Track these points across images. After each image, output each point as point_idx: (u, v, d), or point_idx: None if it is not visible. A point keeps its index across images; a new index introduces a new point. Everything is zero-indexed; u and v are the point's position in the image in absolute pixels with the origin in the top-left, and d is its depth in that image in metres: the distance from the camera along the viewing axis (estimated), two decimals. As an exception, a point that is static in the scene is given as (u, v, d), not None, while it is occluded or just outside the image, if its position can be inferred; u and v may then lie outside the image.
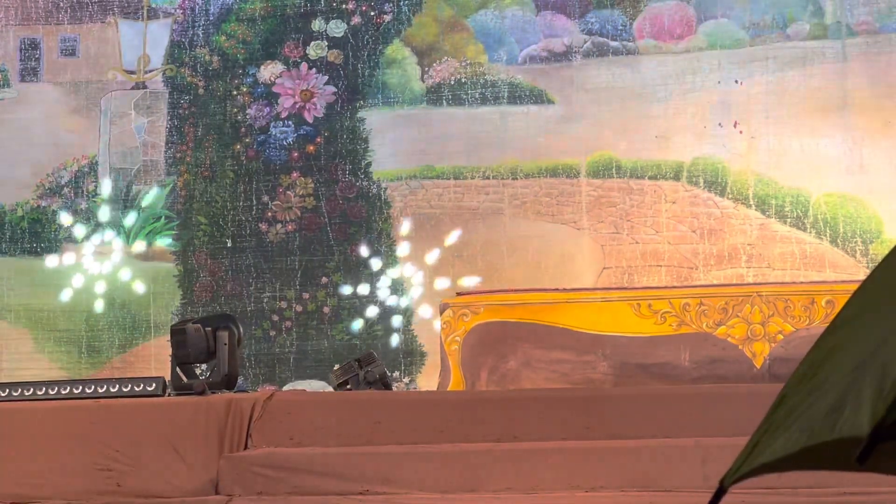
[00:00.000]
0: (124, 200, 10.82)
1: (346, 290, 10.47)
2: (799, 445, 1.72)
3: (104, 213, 10.81)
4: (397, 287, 10.45)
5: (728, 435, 6.24)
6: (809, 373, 1.79)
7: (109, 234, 10.81)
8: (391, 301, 10.44)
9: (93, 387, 7.38)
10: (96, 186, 10.82)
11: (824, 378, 1.76)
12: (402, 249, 10.47)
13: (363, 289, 10.45)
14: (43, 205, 10.80)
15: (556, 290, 9.01)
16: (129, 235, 10.82)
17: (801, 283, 9.16)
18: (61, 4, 10.94)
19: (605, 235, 10.16)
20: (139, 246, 10.79)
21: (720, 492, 1.85)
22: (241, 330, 7.64)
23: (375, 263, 10.46)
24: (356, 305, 10.46)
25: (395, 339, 10.33)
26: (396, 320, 10.38)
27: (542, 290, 9.00)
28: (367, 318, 10.41)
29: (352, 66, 10.71)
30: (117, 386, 7.35)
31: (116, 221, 10.82)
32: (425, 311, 10.21)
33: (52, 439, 6.97)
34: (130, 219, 10.80)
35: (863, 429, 1.65)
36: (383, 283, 10.46)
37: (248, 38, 10.83)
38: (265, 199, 10.65)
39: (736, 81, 10.14)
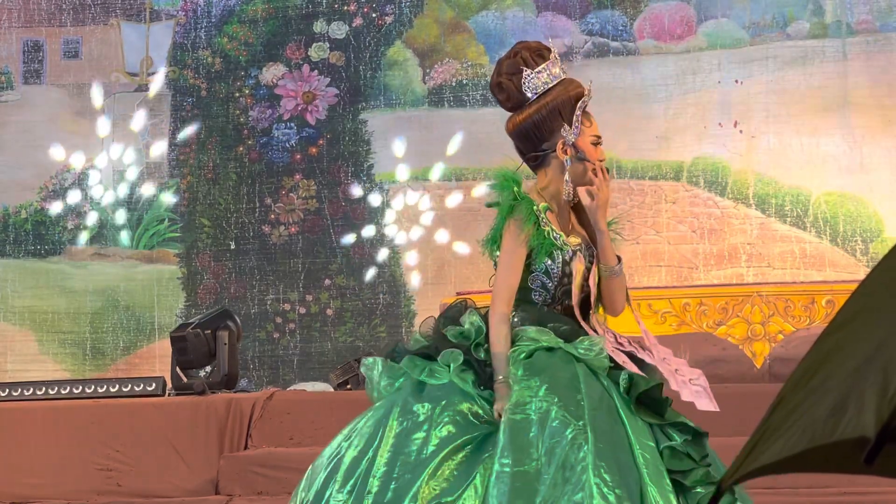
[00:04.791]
0: (127, 203, 10.83)
1: (350, 238, 10.48)
2: (800, 447, 1.72)
3: (107, 216, 10.82)
4: (399, 288, 10.47)
5: (728, 435, 6.23)
6: (807, 375, 1.79)
7: (113, 237, 10.82)
8: (391, 301, 10.45)
9: (93, 387, 7.39)
10: (99, 188, 10.83)
11: (823, 380, 1.76)
12: (404, 250, 10.48)
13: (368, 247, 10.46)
14: (46, 207, 10.82)
15: (557, 290, 8.98)
16: (132, 238, 10.83)
17: (802, 282, 9.15)
18: (63, 6, 10.96)
19: (606, 236, 10.14)
20: (142, 248, 10.80)
21: (718, 494, 1.84)
22: (239, 323, 7.65)
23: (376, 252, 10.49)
24: (358, 308, 10.47)
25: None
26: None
27: (542, 290, 8.98)
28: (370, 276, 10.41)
29: (353, 67, 10.71)
30: (117, 386, 7.37)
31: (120, 224, 10.83)
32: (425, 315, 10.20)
33: (52, 439, 6.98)
34: (134, 221, 10.81)
35: (867, 429, 1.64)
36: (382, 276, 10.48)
37: (250, 39, 10.83)
38: (268, 201, 10.65)
39: (736, 81, 10.13)
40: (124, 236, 10.82)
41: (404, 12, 10.70)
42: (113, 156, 10.85)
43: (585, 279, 4.02)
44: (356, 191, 10.58)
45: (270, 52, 10.80)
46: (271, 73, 10.79)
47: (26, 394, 7.37)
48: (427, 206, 10.48)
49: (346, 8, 10.74)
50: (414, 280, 10.43)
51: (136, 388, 7.31)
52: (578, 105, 4.01)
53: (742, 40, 10.25)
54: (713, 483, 3.76)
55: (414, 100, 10.62)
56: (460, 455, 3.68)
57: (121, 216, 10.82)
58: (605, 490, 3.55)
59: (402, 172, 10.55)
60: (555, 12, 10.49)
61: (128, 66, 10.97)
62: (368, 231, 10.53)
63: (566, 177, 4.00)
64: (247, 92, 10.77)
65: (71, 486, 6.90)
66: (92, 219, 10.81)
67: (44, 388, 7.41)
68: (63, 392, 7.37)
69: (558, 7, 10.50)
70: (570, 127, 4.00)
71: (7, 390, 7.42)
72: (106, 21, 10.99)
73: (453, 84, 10.58)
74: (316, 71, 10.74)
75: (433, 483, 3.61)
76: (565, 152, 4.00)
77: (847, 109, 9.99)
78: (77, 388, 7.40)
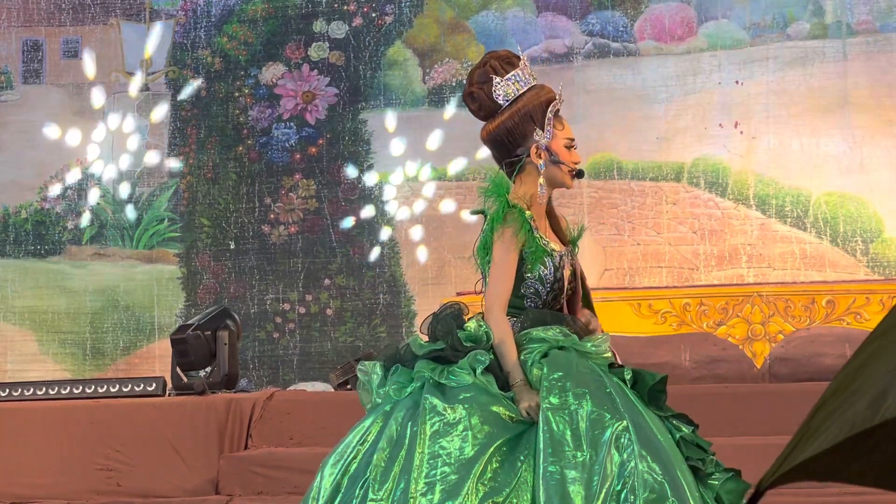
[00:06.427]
0: (127, 202, 10.83)
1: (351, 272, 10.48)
2: (841, 437, 1.72)
3: (107, 216, 10.82)
4: (400, 289, 10.47)
5: (728, 435, 6.23)
6: (846, 381, 1.79)
7: (113, 237, 10.82)
8: (389, 299, 10.45)
9: (93, 387, 7.39)
10: (99, 189, 10.83)
11: (862, 382, 1.77)
12: (404, 249, 10.48)
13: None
14: (46, 207, 10.82)
15: (557, 290, 8.98)
16: (132, 238, 10.83)
17: (802, 283, 9.15)
18: (63, 6, 10.95)
19: (607, 237, 10.15)
20: (142, 248, 10.80)
21: (757, 494, 1.83)
22: (239, 323, 7.65)
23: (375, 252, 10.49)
24: (359, 307, 10.47)
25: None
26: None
27: (542, 291, 8.98)
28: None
29: (353, 67, 10.71)
30: (118, 386, 7.37)
31: (120, 224, 10.83)
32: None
33: (52, 439, 6.98)
34: (134, 221, 10.81)
35: None
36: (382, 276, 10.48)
37: (250, 39, 10.83)
38: (268, 201, 10.65)
39: (736, 82, 10.13)
40: (124, 236, 10.81)
41: (404, 12, 10.70)
42: (113, 155, 10.85)
43: (571, 282, 4.07)
44: (355, 191, 10.58)
45: (270, 51, 10.80)
46: (271, 72, 10.79)
47: (26, 394, 7.37)
48: (426, 206, 10.47)
49: (345, 8, 10.74)
50: (413, 280, 10.43)
51: (136, 388, 7.31)
52: (550, 109, 4.05)
53: (742, 41, 10.25)
54: (727, 470, 3.81)
55: (414, 100, 10.62)
56: (502, 455, 3.70)
57: (120, 216, 10.82)
58: (653, 476, 3.59)
59: (401, 172, 10.55)
60: (555, 12, 10.49)
61: (127, 65, 10.97)
62: (370, 228, 10.54)
63: (540, 179, 4.03)
64: (246, 92, 10.77)
65: (71, 486, 6.90)
66: (92, 219, 10.80)
67: (44, 388, 7.41)
68: (63, 392, 7.37)
69: (558, 7, 10.50)
70: (543, 131, 4.02)
71: (7, 390, 7.42)
72: (105, 21, 10.99)
73: (453, 84, 10.58)
74: (316, 71, 10.74)
75: (481, 483, 3.63)
76: (539, 156, 4.04)
77: (847, 109, 9.99)
78: (77, 388, 7.39)
